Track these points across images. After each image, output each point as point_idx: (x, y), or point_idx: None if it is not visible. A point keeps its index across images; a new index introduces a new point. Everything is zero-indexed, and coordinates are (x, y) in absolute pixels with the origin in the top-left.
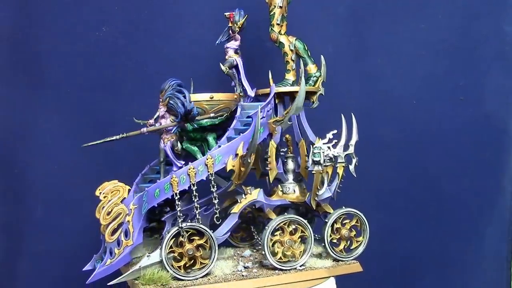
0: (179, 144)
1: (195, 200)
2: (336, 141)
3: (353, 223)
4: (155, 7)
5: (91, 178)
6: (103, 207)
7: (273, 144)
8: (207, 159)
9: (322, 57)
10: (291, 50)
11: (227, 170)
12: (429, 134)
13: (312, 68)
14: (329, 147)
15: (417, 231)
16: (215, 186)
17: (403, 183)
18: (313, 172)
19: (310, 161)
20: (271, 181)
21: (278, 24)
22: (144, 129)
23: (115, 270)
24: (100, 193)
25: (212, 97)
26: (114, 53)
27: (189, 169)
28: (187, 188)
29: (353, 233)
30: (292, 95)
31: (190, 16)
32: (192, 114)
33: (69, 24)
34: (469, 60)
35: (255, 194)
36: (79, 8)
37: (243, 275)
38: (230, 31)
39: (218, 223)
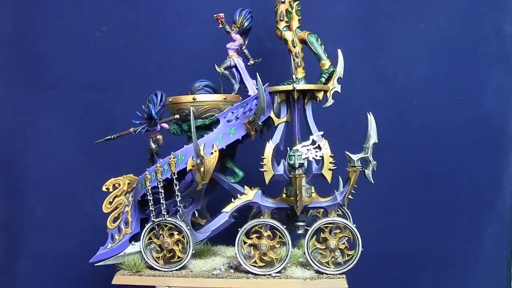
0: (151, 143)
1: (161, 197)
2: (320, 143)
3: (345, 234)
4: (155, 7)
5: (91, 178)
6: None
7: (270, 145)
8: (170, 159)
9: (339, 51)
10: (294, 46)
11: (188, 170)
12: (429, 134)
13: (325, 63)
14: (308, 150)
15: (417, 231)
16: (177, 185)
17: (403, 183)
18: (289, 176)
19: (286, 165)
20: (267, 183)
21: (281, 20)
22: (132, 129)
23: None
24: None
25: (195, 99)
26: (114, 53)
27: (157, 167)
28: (156, 184)
29: (344, 245)
30: (289, 93)
31: (190, 16)
32: (153, 117)
33: (69, 24)
34: (469, 60)
35: (250, 195)
36: (79, 8)
37: (213, 274)
38: (226, 32)
39: (181, 219)
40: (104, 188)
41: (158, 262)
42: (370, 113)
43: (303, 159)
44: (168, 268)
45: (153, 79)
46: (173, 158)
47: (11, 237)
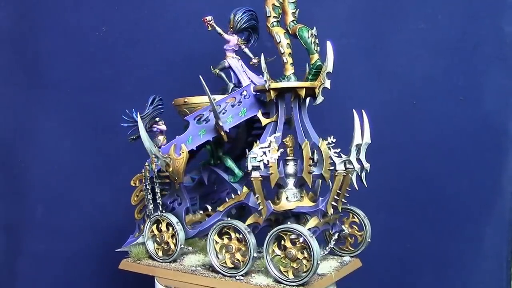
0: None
1: (148, 194)
2: (275, 146)
3: (304, 244)
4: (155, 7)
5: (91, 178)
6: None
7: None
8: (151, 158)
9: (328, 43)
10: (278, 42)
11: (161, 170)
12: (428, 134)
13: (312, 58)
14: (264, 152)
15: (417, 231)
16: (158, 184)
17: (403, 183)
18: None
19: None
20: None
21: (268, 16)
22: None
23: None
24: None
25: (186, 102)
26: (114, 53)
27: (145, 165)
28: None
29: (303, 255)
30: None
31: (189, 16)
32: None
33: (69, 24)
34: (468, 60)
35: (243, 195)
36: (79, 8)
37: (191, 270)
38: (218, 34)
39: (161, 215)
40: (132, 183)
41: (157, 253)
42: (355, 110)
43: (258, 161)
44: (163, 260)
45: (153, 79)
46: (154, 157)
47: (11, 237)
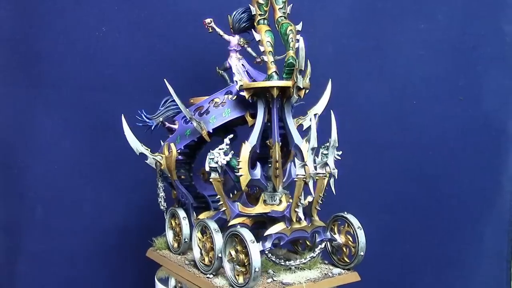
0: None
1: (158, 188)
2: (227, 147)
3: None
4: (155, 7)
5: (91, 178)
6: None
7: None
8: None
9: (300, 38)
10: (258, 41)
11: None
12: (428, 134)
13: (288, 55)
14: (219, 153)
15: (417, 231)
16: (161, 180)
17: (403, 183)
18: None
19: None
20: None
21: (254, 14)
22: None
23: None
24: None
25: (191, 102)
26: (114, 53)
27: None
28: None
29: (248, 262)
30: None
31: (190, 16)
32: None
33: (69, 24)
34: (468, 60)
35: (237, 195)
36: (79, 8)
37: (185, 264)
38: (219, 35)
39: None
40: None
41: (173, 245)
42: (314, 115)
43: (215, 162)
44: (175, 252)
45: (153, 79)
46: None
47: (11, 237)
